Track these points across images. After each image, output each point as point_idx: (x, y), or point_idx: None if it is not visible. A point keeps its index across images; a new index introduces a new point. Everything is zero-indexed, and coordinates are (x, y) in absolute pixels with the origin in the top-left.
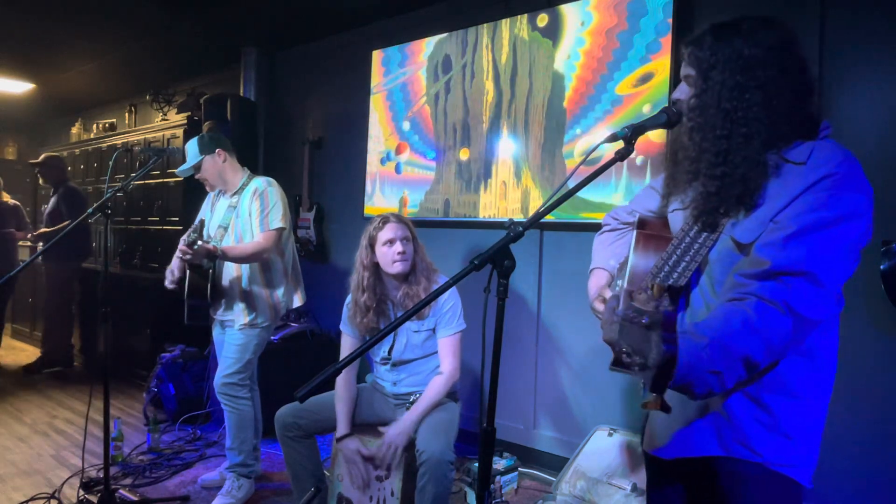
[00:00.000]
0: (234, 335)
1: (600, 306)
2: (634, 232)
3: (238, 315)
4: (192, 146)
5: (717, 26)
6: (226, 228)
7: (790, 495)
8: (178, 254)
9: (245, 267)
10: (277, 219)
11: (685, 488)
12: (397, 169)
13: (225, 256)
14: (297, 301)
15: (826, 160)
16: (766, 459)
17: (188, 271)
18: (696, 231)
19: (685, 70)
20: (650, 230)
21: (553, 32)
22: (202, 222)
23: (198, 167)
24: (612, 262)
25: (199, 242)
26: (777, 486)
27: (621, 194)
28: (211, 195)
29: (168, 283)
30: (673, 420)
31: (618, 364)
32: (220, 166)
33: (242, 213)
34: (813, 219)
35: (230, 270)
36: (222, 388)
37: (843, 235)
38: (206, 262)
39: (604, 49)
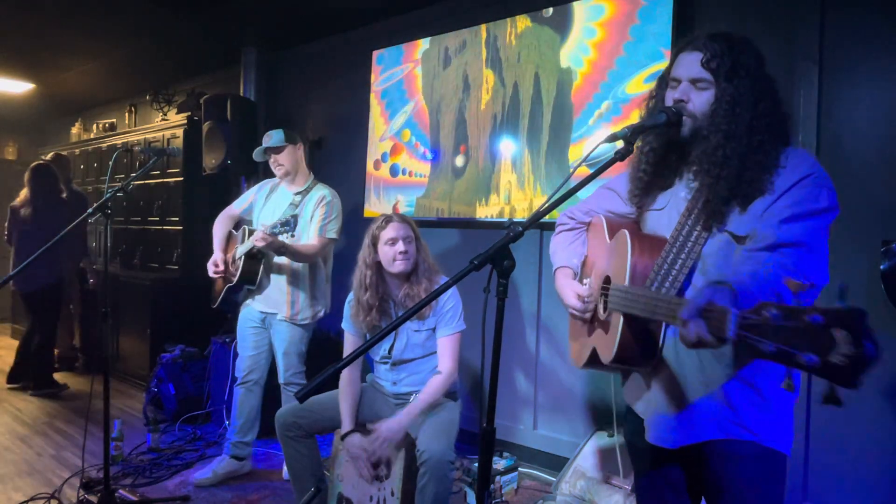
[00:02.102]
0: (281, 331)
1: (579, 304)
2: (628, 235)
3: (282, 306)
4: (277, 132)
5: (726, 36)
6: None
7: (777, 463)
8: (253, 239)
9: (296, 264)
10: (335, 230)
11: (682, 469)
12: (393, 171)
13: (287, 250)
14: (327, 308)
15: (802, 163)
16: (760, 437)
17: (243, 258)
18: (688, 230)
19: (697, 73)
20: (638, 232)
21: (560, 26)
22: (295, 218)
23: (279, 150)
24: (574, 260)
25: (282, 237)
26: (767, 458)
27: None
28: (265, 185)
29: (214, 272)
30: (674, 410)
31: (619, 360)
32: (298, 157)
33: (305, 215)
34: (802, 209)
35: (280, 264)
36: (291, 384)
37: (825, 223)
38: (268, 253)
39: (613, 45)
